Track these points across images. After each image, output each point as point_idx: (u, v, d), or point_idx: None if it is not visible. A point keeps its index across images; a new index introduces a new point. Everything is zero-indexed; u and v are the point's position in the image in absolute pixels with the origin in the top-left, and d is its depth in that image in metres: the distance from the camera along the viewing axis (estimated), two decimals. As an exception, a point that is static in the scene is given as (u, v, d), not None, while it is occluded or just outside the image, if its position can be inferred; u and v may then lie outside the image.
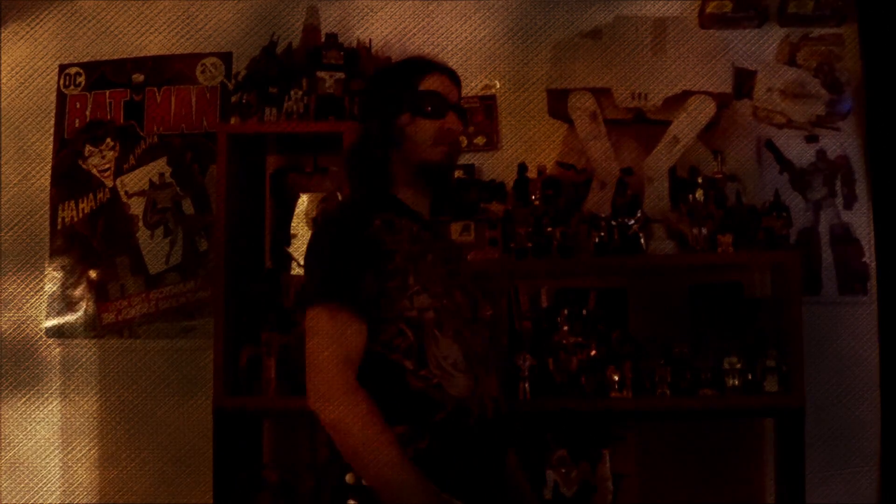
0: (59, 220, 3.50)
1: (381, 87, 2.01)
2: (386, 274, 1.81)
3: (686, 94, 3.07)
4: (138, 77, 3.53)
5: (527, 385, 2.93)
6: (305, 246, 1.91)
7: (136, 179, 3.50)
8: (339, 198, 3.02)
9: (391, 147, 1.93)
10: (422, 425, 1.78)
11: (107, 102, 3.54)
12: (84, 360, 3.45)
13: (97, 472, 3.42)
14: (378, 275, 1.80)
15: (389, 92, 1.97)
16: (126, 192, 3.50)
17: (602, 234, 2.97)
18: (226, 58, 3.49)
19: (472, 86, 3.36)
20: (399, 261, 1.82)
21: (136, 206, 3.49)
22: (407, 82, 1.96)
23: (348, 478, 1.73)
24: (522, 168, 3.15)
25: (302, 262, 1.91)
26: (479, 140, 3.37)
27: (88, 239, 3.49)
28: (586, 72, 3.14)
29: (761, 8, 3.30)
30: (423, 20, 3.42)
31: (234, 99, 3.26)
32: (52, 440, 3.44)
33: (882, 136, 3.21)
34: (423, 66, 1.99)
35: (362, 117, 2.05)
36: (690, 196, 3.02)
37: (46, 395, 3.45)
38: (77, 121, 3.54)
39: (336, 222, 1.91)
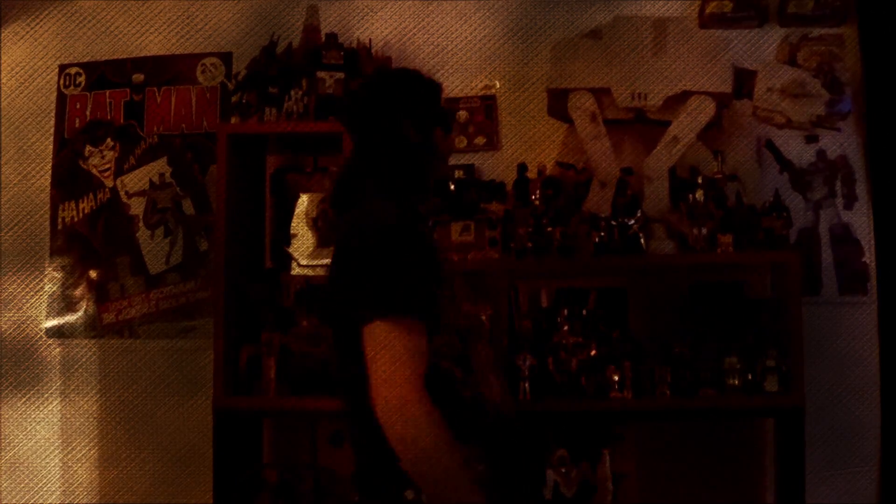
0: (60, 220, 3.50)
1: (423, 99, 2.00)
2: (440, 283, 1.82)
3: (686, 94, 3.07)
4: (138, 77, 3.53)
5: (527, 385, 2.92)
6: (347, 251, 1.81)
7: (136, 179, 3.50)
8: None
9: (431, 158, 1.98)
10: (475, 433, 1.79)
11: (107, 102, 3.53)
12: (84, 360, 3.45)
13: (97, 472, 3.42)
14: (437, 284, 1.81)
15: (434, 107, 2.00)
16: (126, 192, 3.50)
17: (602, 234, 2.97)
18: (226, 58, 3.49)
19: (472, 86, 3.37)
20: (447, 269, 1.86)
21: (137, 206, 3.49)
22: (440, 100, 2.02)
23: (408, 494, 1.73)
24: (522, 168, 3.15)
25: (335, 266, 1.78)
26: (479, 140, 3.37)
27: (88, 239, 3.49)
28: (586, 72, 3.14)
29: (761, 8, 3.31)
30: (423, 20, 3.42)
31: (234, 99, 3.26)
32: (52, 440, 3.44)
33: (882, 136, 3.21)
34: (440, 85, 2.05)
35: (398, 124, 1.97)
36: (690, 196, 3.02)
37: (46, 395, 3.45)
38: (77, 121, 3.54)
39: (399, 229, 1.80)
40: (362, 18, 3.43)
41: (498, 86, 3.39)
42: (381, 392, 1.68)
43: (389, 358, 1.69)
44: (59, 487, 3.42)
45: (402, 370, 1.68)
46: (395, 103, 1.96)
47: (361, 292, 1.73)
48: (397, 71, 2.10)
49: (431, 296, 1.76)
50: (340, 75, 3.15)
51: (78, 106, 3.54)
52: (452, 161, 3.21)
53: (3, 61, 3.57)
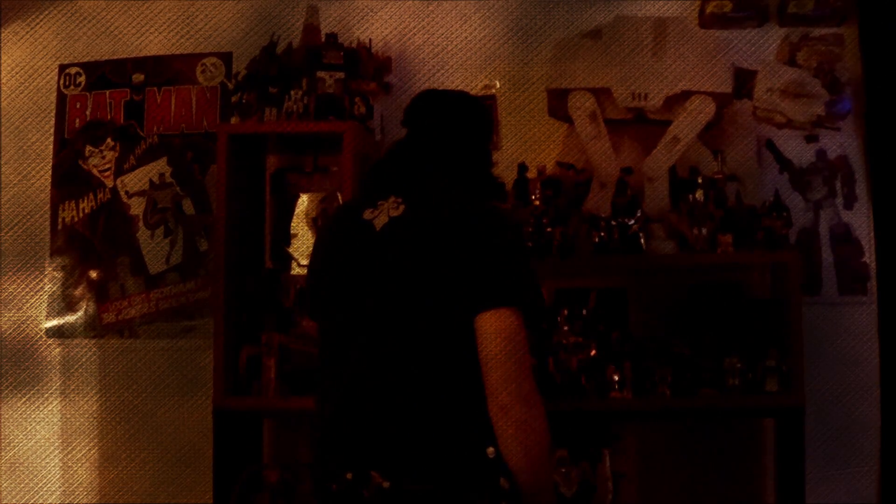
0: (60, 220, 3.50)
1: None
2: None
3: (686, 94, 3.07)
4: (138, 77, 3.53)
5: (527, 385, 2.92)
6: (502, 237, 1.85)
7: (137, 179, 3.50)
8: (339, 198, 3.02)
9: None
10: None
11: (107, 102, 3.54)
12: (84, 360, 3.45)
13: (97, 472, 3.42)
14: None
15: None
16: (126, 192, 3.50)
17: (602, 234, 2.97)
18: (226, 58, 3.49)
19: (472, 86, 3.36)
20: None
21: (137, 206, 3.49)
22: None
23: (490, 451, 1.76)
24: (522, 168, 3.15)
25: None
26: (479, 140, 3.37)
27: (88, 239, 3.49)
28: (586, 72, 3.14)
29: (761, 8, 3.31)
30: (423, 20, 3.42)
31: (234, 99, 3.26)
32: (52, 440, 3.44)
33: (882, 136, 3.21)
34: None
35: (484, 138, 2.14)
36: (690, 196, 3.02)
37: (46, 395, 3.45)
38: (77, 121, 3.54)
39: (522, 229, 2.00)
40: (362, 18, 3.43)
41: (498, 86, 3.39)
42: (511, 374, 1.75)
43: (520, 344, 1.77)
44: (59, 487, 3.42)
45: (528, 359, 1.78)
46: (489, 127, 2.18)
47: (502, 278, 1.80)
48: (475, 99, 2.18)
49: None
50: (340, 75, 3.14)
51: (78, 106, 3.54)
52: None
53: (3, 61, 3.57)
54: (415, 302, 1.81)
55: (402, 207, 1.87)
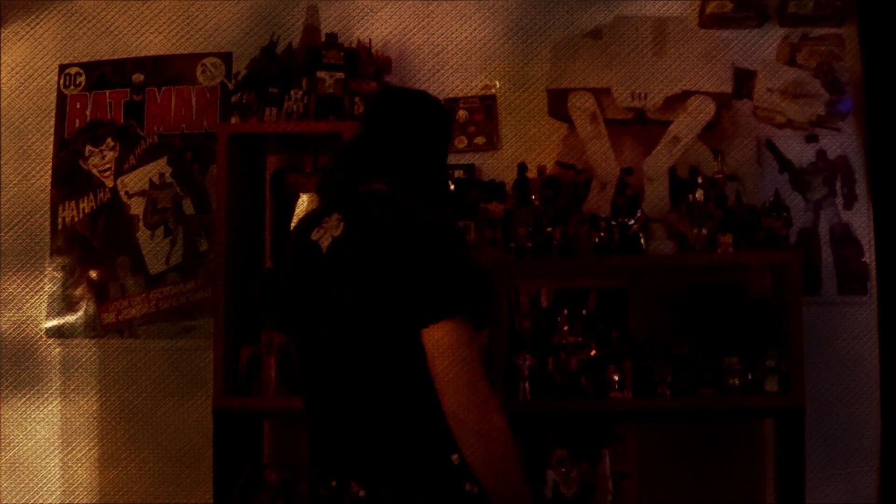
0: (60, 220, 3.50)
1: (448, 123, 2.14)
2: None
3: (686, 94, 3.08)
4: (138, 77, 3.53)
5: (527, 385, 2.93)
6: (434, 246, 1.80)
7: (137, 179, 3.50)
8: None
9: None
10: None
11: (107, 102, 3.54)
12: (84, 360, 3.45)
13: (97, 472, 3.42)
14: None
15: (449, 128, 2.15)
16: (126, 192, 3.50)
17: (602, 234, 2.98)
18: (226, 58, 3.50)
19: (472, 86, 3.37)
20: None
21: (137, 206, 3.49)
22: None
23: (454, 458, 1.76)
24: (522, 168, 3.15)
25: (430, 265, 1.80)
26: (479, 140, 3.37)
27: (88, 239, 3.49)
28: (586, 72, 3.14)
29: (761, 8, 3.31)
30: (423, 20, 3.42)
31: (234, 99, 3.26)
32: (52, 440, 3.44)
33: (882, 136, 3.21)
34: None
35: (438, 141, 2.07)
36: (690, 196, 3.02)
37: (46, 395, 3.45)
38: (77, 121, 3.54)
39: (460, 231, 1.94)
40: (362, 18, 3.43)
41: (498, 86, 3.39)
42: (467, 380, 1.73)
43: (470, 352, 1.75)
44: (59, 487, 3.42)
45: (479, 366, 1.75)
46: (444, 130, 2.09)
47: (439, 291, 1.76)
48: (432, 99, 2.13)
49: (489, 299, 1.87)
50: (340, 75, 3.15)
51: (78, 106, 3.54)
52: (452, 161, 3.25)
53: (3, 61, 3.57)
54: (364, 322, 1.81)
55: (341, 226, 1.87)
